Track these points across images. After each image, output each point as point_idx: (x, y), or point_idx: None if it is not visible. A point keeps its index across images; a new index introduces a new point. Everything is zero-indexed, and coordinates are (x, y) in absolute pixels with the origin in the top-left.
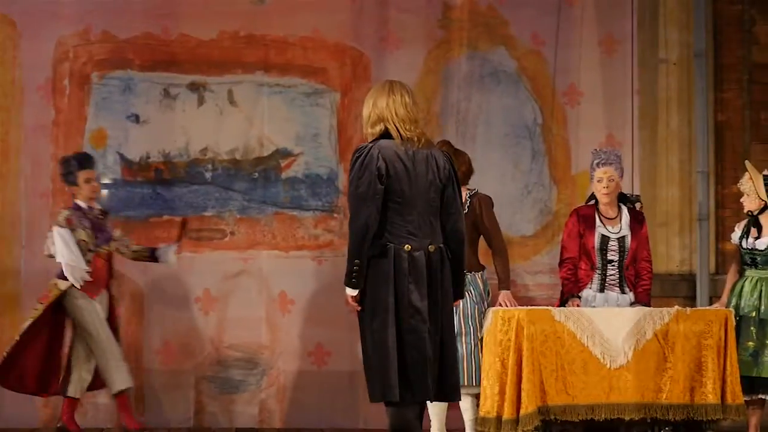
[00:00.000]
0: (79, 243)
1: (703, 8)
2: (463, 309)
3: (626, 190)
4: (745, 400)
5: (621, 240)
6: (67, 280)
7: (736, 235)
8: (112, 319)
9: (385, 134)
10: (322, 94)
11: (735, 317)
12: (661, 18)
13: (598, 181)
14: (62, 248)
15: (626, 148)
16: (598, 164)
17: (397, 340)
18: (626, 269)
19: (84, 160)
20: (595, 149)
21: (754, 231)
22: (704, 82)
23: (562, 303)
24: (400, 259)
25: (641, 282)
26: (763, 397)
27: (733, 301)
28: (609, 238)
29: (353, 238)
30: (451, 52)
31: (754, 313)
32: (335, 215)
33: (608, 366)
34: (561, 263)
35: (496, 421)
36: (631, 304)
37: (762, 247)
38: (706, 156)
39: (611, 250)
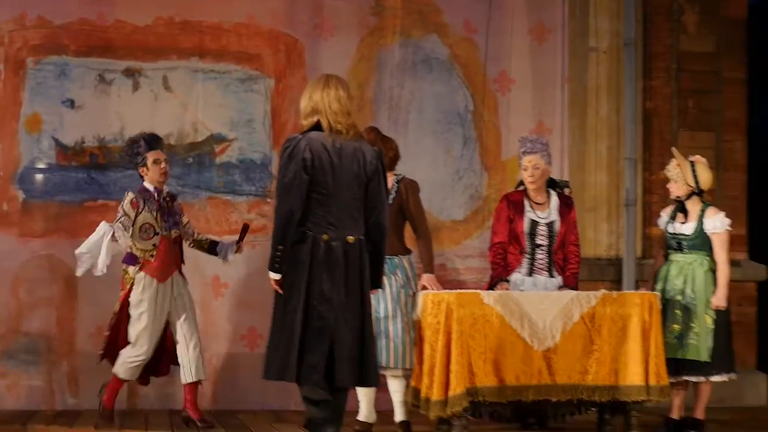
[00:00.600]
0: (144, 226)
1: None
2: (390, 292)
3: (556, 176)
4: (670, 382)
5: (550, 225)
6: (133, 264)
7: (662, 221)
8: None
9: (318, 126)
10: (257, 80)
11: (661, 301)
12: (592, 7)
13: (524, 170)
14: (94, 235)
15: (556, 134)
16: (524, 153)
17: (304, 325)
18: (555, 253)
19: (153, 141)
20: (522, 137)
21: (680, 216)
22: (633, 70)
23: (492, 286)
24: (318, 247)
25: (569, 266)
26: (688, 378)
27: (659, 285)
28: (538, 222)
29: (277, 225)
30: (384, 40)
31: (679, 297)
32: (268, 200)
33: (536, 348)
34: (491, 247)
35: (425, 403)
36: (559, 288)
37: (688, 232)
38: (634, 143)
39: (540, 235)
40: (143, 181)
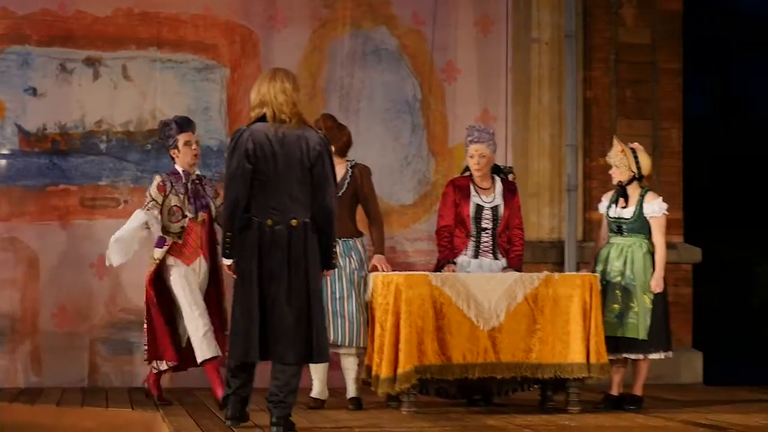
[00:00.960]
0: (172, 209)
1: None
2: (345, 273)
3: (500, 162)
4: (609, 359)
5: (494, 209)
6: (159, 247)
7: (603, 205)
8: (213, 288)
9: (265, 117)
10: (213, 69)
11: (601, 282)
12: (534, 0)
13: (471, 157)
14: (130, 223)
15: (500, 122)
16: (471, 141)
17: (260, 307)
18: (499, 236)
19: (184, 123)
20: (470, 126)
21: (622, 201)
22: (574, 61)
23: (439, 268)
24: (263, 232)
25: (513, 248)
26: (627, 356)
27: (600, 267)
28: (483, 207)
29: (225, 213)
30: (335, 31)
31: (619, 278)
32: None
33: (481, 328)
34: (437, 231)
35: (375, 380)
36: (504, 270)
37: (628, 216)
38: (575, 130)
39: (485, 219)
40: (174, 163)
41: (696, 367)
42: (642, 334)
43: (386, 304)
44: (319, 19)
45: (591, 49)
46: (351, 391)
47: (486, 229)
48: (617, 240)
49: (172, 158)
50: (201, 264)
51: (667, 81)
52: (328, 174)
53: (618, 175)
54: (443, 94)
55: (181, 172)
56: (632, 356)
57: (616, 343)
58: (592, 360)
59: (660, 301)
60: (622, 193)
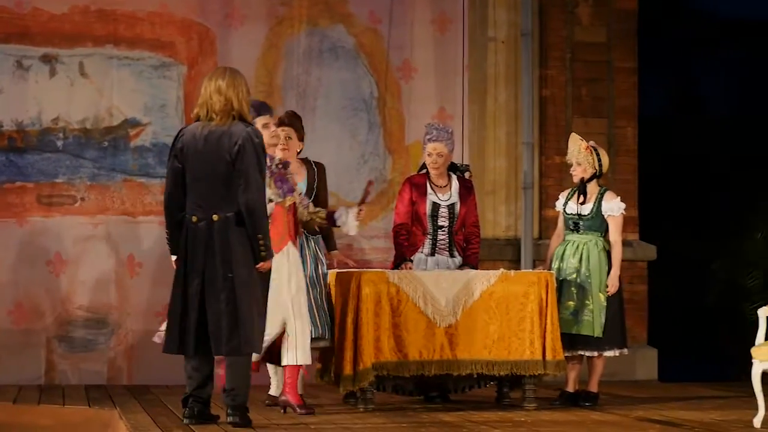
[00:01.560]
0: None
1: None
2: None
3: (456, 160)
4: (565, 356)
5: (451, 207)
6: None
7: (560, 203)
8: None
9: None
10: (170, 67)
11: (557, 279)
12: None
13: (429, 155)
14: None
15: (457, 121)
16: (429, 140)
17: (183, 303)
18: (455, 234)
19: (261, 107)
20: (429, 124)
21: (581, 197)
22: (530, 59)
23: (396, 266)
24: (189, 229)
25: (470, 246)
26: (583, 352)
27: (557, 264)
28: (439, 205)
29: (164, 210)
30: (292, 29)
31: (574, 275)
32: None
33: (438, 325)
34: (394, 228)
35: (335, 378)
36: (460, 267)
37: (585, 213)
38: (531, 129)
39: (442, 216)
40: None
41: (651, 364)
42: (597, 332)
43: (344, 301)
44: (275, 17)
45: (547, 47)
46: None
47: (442, 226)
48: (573, 237)
49: None
50: (290, 251)
51: (622, 79)
52: (248, 168)
53: (581, 172)
54: (400, 92)
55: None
56: (588, 353)
57: (572, 340)
58: (548, 357)
59: (615, 298)
60: (582, 190)
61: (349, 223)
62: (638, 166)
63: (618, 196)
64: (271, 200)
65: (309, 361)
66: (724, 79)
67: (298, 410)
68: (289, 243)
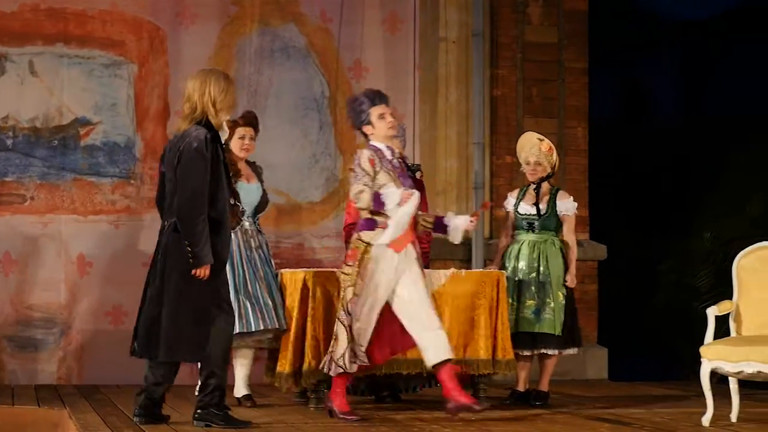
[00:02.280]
0: (384, 187)
1: None
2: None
3: (408, 160)
4: (525, 355)
5: None
6: (371, 230)
7: (510, 203)
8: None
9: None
10: (120, 65)
11: (514, 279)
12: None
13: None
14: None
15: (408, 120)
16: None
17: (140, 307)
18: None
19: (375, 96)
20: None
21: (533, 198)
22: (481, 59)
23: None
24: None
25: (421, 246)
26: (544, 351)
27: (512, 264)
28: None
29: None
30: (243, 28)
31: (534, 274)
32: (132, 182)
33: None
34: (345, 227)
35: (278, 376)
36: None
37: (541, 213)
38: (482, 128)
39: None
40: (369, 140)
41: (601, 363)
42: (558, 330)
43: (293, 300)
44: (227, 16)
45: (498, 47)
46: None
47: None
48: (529, 237)
49: (365, 135)
50: (409, 251)
51: (572, 80)
52: (181, 174)
53: (541, 172)
54: (351, 92)
55: (383, 147)
56: (549, 351)
57: (533, 339)
58: (498, 356)
59: (570, 297)
60: (536, 190)
61: (458, 231)
62: (588, 167)
63: (570, 195)
64: None
65: (450, 356)
66: (674, 79)
67: (476, 407)
68: (411, 242)
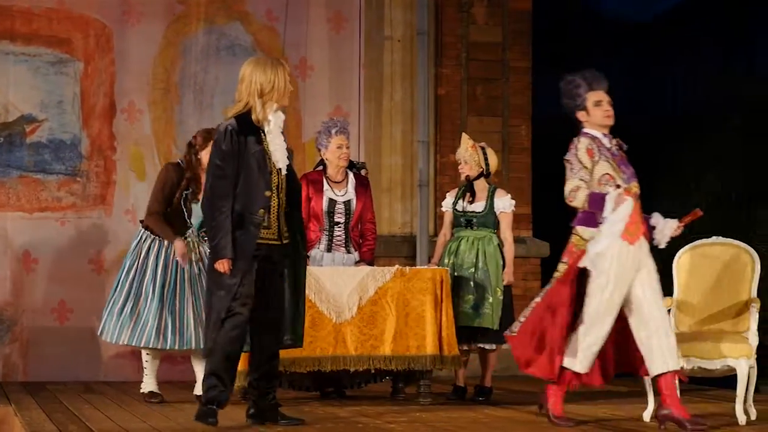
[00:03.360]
0: (603, 178)
1: None
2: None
3: (353, 158)
4: (465, 349)
5: (347, 203)
6: (592, 226)
7: (448, 202)
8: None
9: None
10: (67, 63)
11: (453, 274)
12: None
13: (338, 148)
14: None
15: (353, 118)
16: (336, 132)
17: None
18: (352, 230)
19: (594, 80)
20: (331, 119)
21: (469, 196)
22: (425, 58)
23: None
24: None
25: (366, 242)
26: (482, 345)
27: (451, 260)
28: (336, 201)
29: None
30: (189, 27)
31: (472, 270)
32: (78, 179)
33: (334, 321)
34: None
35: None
36: (356, 263)
37: (479, 210)
38: (426, 127)
39: (338, 213)
40: (582, 126)
41: None
42: (496, 325)
43: None
44: (173, 14)
45: (442, 46)
46: (153, 385)
47: (339, 223)
48: (467, 234)
49: (579, 122)
50: (643, 244)
51: (516, 79)
52: (207, 167)
53: (467, 170)
54: (297, 90)
55: (600, 135)
56: (487, 346)
57: (472, 334)
58: (444, 352)
59: (507, 292)
60: (470, 188)
61: (664, 234)
62: (532, 165)
63: (508, 193)
64: (618, 186)
65: (678, 366)
66: (617, 79)
67: (689, 426)
68: (641, 237)
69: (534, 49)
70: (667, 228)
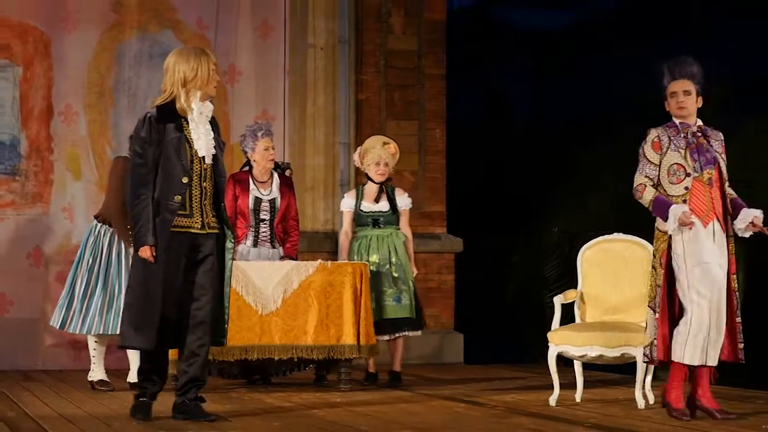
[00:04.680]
0: (673, 167)
1: (346, 0)
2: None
3: (278, 159)
4: (389, 339)
5: (272, 202)
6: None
7: (348, 202)
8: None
9: None
10: (6, 68)
11: (372, 270)
12: (311, 7)
13: (265, 150)
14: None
15: (278, 122)
16: (262, 135)
17: None
18: (276, 227)
19: (677, 69)
20: (256, 122)
21: (374, 196)
22: (347, 65)
23: None
24: None
25: (290, 239)
26: (406, 333)
27: (364, 258)
28: (261, 199)
29: None
30: (123, 34)
31: (388, 266)
32: (17, 178)
33: (260, 312)
34: None
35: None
36: (281, 258)
37: (385, 209)
38: (347, 130)
39: (263, 211)
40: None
41: (458, 348)
42: (413, 314)
43: None
44: (107, 22)
45: (363, 54)
46: (102, 374)
47: (264, 220)
48: (374, 232)
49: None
50: (715, 231)
51: (431, 85)
52: None
53: (386, 172)
54: (225, 95)
55: (678, 124)
56: (411, 334)
57: (396, 324)
58: (362, 342)
59: (414, 283)
60: (381, 189)
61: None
62: (447, 166)
63: (405, 192)
64: (688, 174)
65: (696, 362)
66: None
67: (718, 415)
68: (713, 222)
69: (448, 57)
70: (745, 226)
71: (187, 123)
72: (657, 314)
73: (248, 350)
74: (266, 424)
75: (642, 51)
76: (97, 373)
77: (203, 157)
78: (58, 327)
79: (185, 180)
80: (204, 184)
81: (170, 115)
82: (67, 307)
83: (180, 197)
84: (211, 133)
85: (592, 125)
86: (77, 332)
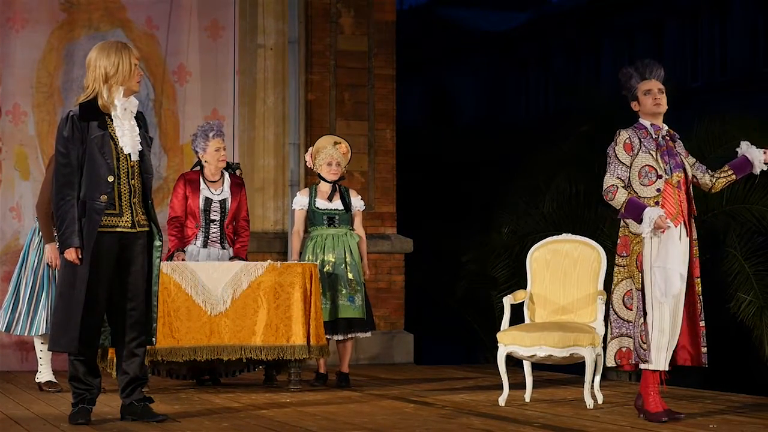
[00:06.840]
0: (644, 169)
1: (296, 0)
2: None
3: (228, 159)
4: (342, 339)
5: (222, 202)
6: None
7: (302, 201)
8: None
9: None
10: None
11: (323, 269)
12: (260, 8)
13: (216, 150)
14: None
15: (228, 122)
16: (213, 136)
17: None
18: (227, 227)
19: (646, 70)
20: (207, 123)
21: (327, 195)
22: (297, 65)
23: (170, 257)
24: None
25: (240, 239)
26: (357, 334)
27: (319, 257)
28: (212, 200)
29: None
30: (72, 33)
31: (343, 266)
32: None
33: (209, 313)
34: (169, 221)
35: (110, 362)
36: (231, 259)
37: (340, 208)
38: (297, 130)
39: (214, 211)
40: (637, 117)
41: (408, 348)
42: (364, 315)
43: None
44: (57, 21)
45: (312, 54)
46: (50, 375)
47: (214, 220)
48: (329, 231)
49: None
50: (681, 234)
51: (381, 85)
52: None
53: (339, 172)
54: (175, 95)
55: (647, 125)
56: (361, 335)
57: (349, 324)
58: (312, 342)
59: (365, 284)
60: (334, 188)
61: (760, 162)
62: (396, 166)
63: (358, 194)
64: (660, 176)
65: (662, 366)
66: (475, 86)
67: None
68: (680, 225)
69: (398, 57)
70: (759, 157)
71: (111, 120)
72: (644, 319)
73: (197, 351)
74: (215, 425)
75: (592, 52)
76: (44, 374)
77: (129, 155)
78: (3, 330)
79: (111, 179)
80: (132, 181)
81: (93, 113)
82: (12, 309)
83: (106, 196)
84: (137, 129)
85: (542, 125)
86: (24, 334)
